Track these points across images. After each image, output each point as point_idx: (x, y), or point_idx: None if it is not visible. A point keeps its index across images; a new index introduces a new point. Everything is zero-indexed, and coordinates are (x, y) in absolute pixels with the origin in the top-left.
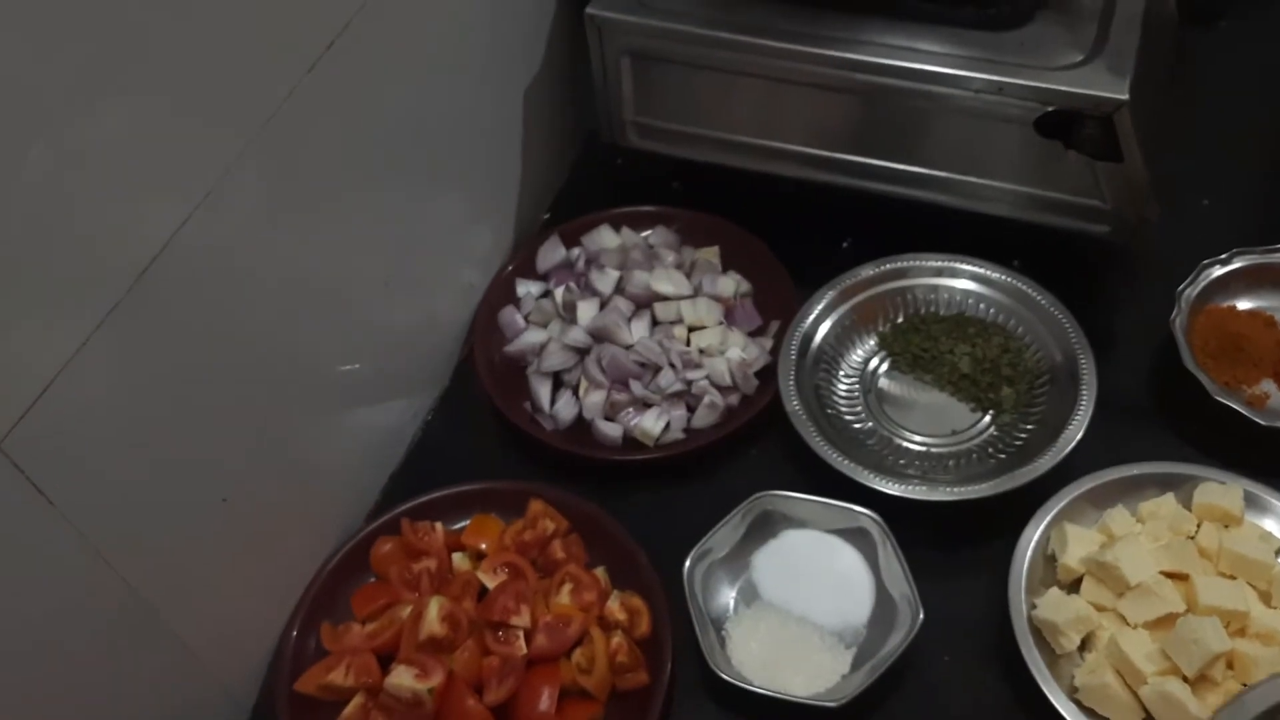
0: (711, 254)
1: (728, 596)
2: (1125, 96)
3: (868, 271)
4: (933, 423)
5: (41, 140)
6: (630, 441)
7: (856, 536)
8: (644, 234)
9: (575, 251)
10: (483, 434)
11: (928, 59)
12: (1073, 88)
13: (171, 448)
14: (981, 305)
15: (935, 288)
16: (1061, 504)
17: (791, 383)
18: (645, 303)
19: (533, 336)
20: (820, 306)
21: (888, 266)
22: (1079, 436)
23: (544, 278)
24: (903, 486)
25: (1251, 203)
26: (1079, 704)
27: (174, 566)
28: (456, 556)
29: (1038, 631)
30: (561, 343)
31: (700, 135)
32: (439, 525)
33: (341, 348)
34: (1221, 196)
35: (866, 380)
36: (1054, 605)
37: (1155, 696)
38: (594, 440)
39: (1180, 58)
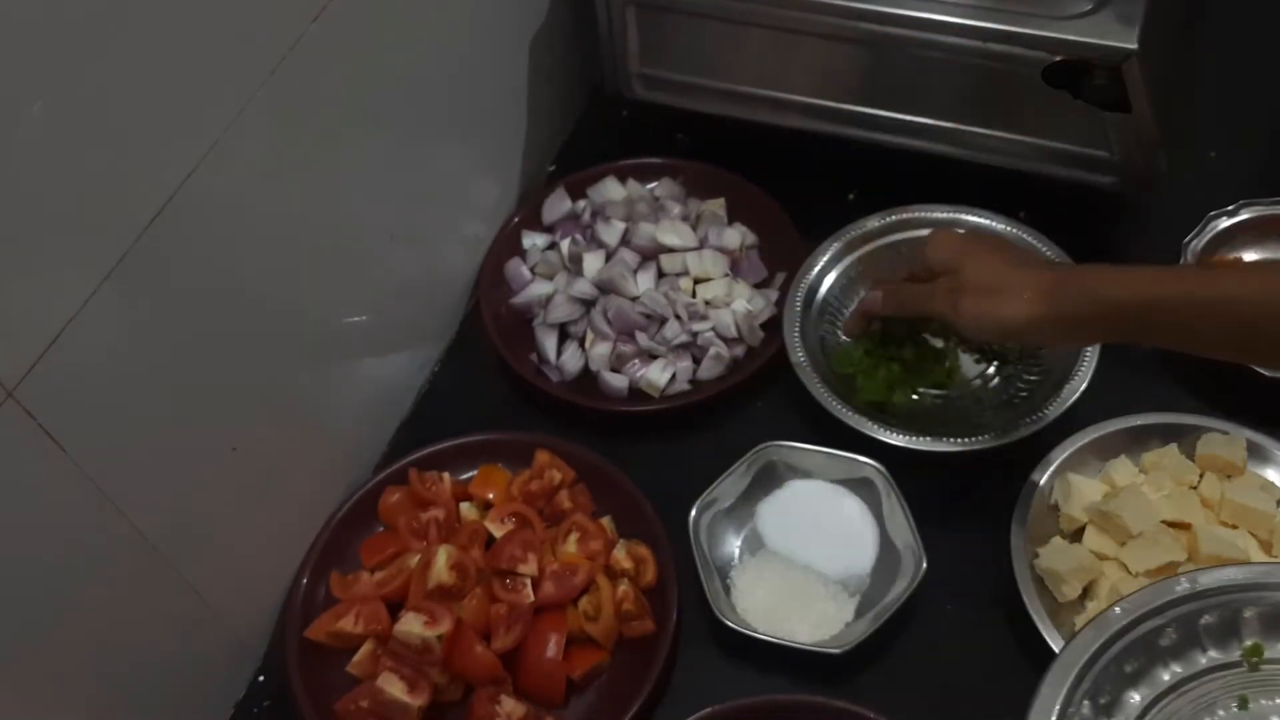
0: (717, 206)
1: (733, 545)
2: (1134, 46)
3: (873, 223)
4: None
5: (48, 91)
6: (636, 393)
7: (861, 487)
8: (650, 186)
9: (581, 204)
10: (489, 385)
11: (935, 8)
12: (1081, 37)
13: (180, 397)
14: None
15: None
16: (1065, 454)
17: (797, 334)
18: (651, 255)
19: (539, 288)
20: (825, 258)
21: (893, 218)
22: (1083, 388)
23: (550, 230)
24: (907, 437)
25: (1259, 155)
26: None
27: (184, 515)
28: (464, 506)
29: (1040, 580)
30: (567, 295)
31: (706, 86)
32: (446, 475)
33: (347, 299)
34: (1228, 148)
35: None
36: (1057, 554)
37: None
38: (600, 392)
39: (1190, 8)
